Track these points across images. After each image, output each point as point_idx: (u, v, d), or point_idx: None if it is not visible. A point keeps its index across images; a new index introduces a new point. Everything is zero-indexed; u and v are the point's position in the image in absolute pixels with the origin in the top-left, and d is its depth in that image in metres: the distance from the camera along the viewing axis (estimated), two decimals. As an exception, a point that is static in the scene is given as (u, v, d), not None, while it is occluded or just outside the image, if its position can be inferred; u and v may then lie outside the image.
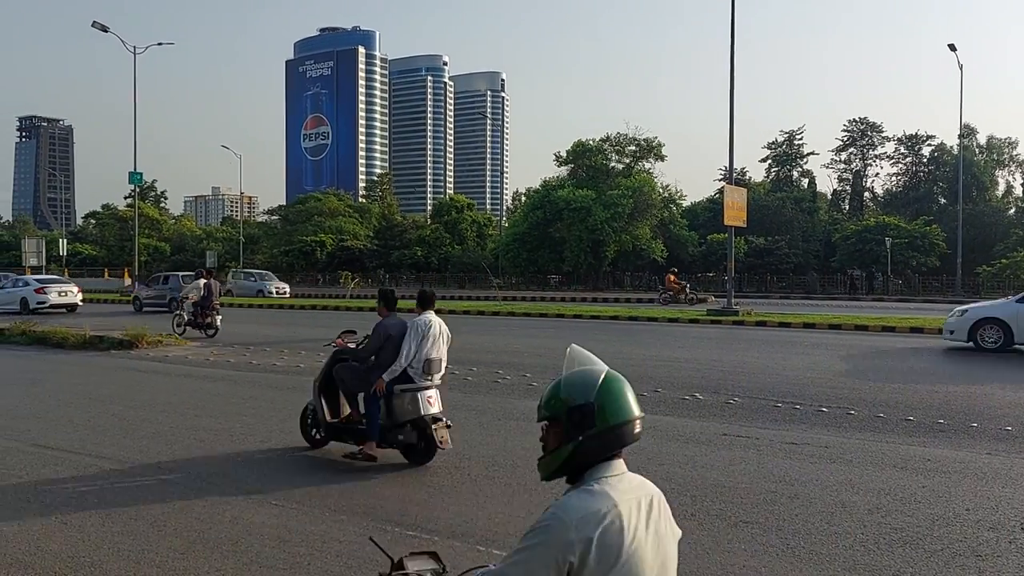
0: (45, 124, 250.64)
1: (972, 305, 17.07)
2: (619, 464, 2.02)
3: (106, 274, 64.52)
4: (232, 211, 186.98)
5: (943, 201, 61.93)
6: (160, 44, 43.59)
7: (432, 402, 6.96)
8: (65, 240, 58.51)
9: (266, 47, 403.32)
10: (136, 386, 11.80)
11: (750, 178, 68.42)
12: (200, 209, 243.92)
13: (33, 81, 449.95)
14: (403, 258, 63.23)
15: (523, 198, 78.80)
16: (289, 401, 10.12)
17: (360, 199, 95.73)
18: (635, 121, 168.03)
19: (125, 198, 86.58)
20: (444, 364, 7.25)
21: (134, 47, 40.08)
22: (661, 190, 56.24)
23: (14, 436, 8.16)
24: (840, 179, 69.79)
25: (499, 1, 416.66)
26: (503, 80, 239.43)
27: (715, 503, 5.69)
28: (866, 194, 69.30)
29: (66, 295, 29.09)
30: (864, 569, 4.50)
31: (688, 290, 33.37)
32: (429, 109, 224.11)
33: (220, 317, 19.06)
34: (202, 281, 19.28)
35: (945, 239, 49.44)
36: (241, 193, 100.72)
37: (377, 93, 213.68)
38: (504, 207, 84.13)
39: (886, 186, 68.24)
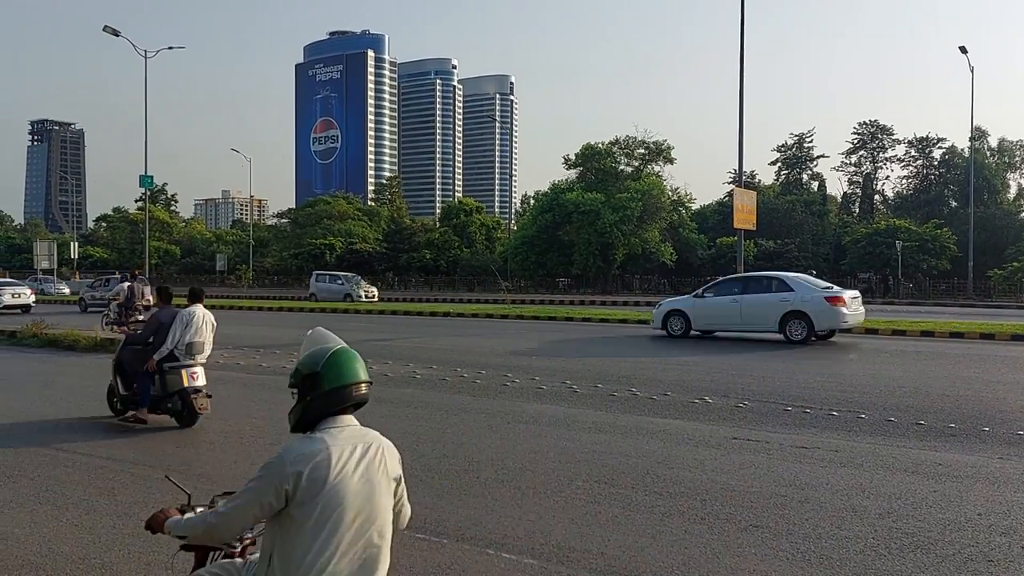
0: (57, 128, 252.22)
1: (666, 300, 20.45)
2: (345, 419, 2.56)
3: (117, 276, 64.77)
4: (242, 214, 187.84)
5: (954, 204, 61.67)
6: (171, 48, 43.77)
7: (195, 377, 8.64)
8: (76, 243, 58.93)
9: (276, 51, 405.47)
10: (147, 388, 11.85)
11: (760, 181, 68.36)
12: (210, 212, 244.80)
13: (45, 85, 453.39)
14: (412, 261, 63.37)
15: (532, 201, 78.83)
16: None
17: (369, 202, 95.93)
18: (644, 124, 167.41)
19: (136, 201, 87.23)
20: (207, 347, 8.94)
21: (145, 51, 40.26)
22: (670, 193, 56.21)
23: (27, 438, 8.21)
24: (850, 182, 69.68)
25: (508, 4, 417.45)
26: (512, 83, 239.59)
27: (725, 507, 5.67)
28: (876, 197, 69.08)
29: (19, 296, 32.22)
30: (875, 574, 4.47)
31: None
32: (438, 112, 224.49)
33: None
34: (126, 284, 20.80)
35: (956, 242, 49.23)
36: (251, 196, 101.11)
37: (386, 96, 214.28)
38: (513, 210, 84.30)
39: (896, 189, 68.09)
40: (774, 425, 8.63)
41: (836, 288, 18.26)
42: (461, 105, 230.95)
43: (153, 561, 4.70)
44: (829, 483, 6.30)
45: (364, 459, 2.49)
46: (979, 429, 8.29)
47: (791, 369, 13.17)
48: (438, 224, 75.54)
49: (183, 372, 8.54)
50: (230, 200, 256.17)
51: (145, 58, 40.65)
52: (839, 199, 70.23)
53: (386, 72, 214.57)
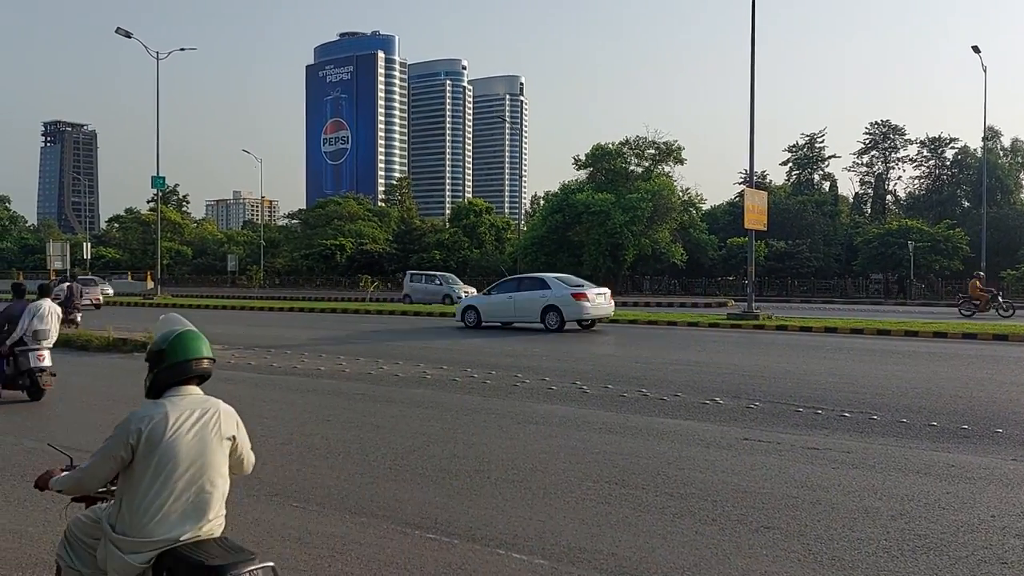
0: (69, 129, 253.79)
1: (466, 298, 24.18)
2: (188, 388, 3.07)
3: (130, 276, 65.28)
4: (253, 215, 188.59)
5: (966, 204, 61.31)
6: (182, 50, 43.96)
7: (42, 359, 10.19)
8: (89, 244, 59.28)
9: (286, 52, 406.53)
10: (158, 388, 11.89)
11: (771, 181, 68.15)
12: (221, 213, 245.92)
13: (58, 87, 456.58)
14: (422, 261, 63.39)
15: (541, 201, 78.81)
16: (308, 403, 10.19)
17: (379, 203, 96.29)
18: (654, 124, 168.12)
19: (148, 202, 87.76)
20: (53, 334, 10.49)
21: (156, 52, 40.52)
22: (680, 193, 56.07)
23: (39, 437, 8.25)
24: (862, 182, 69.34)
25: (518, 5, 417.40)
26: (522, 84, 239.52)
27: (736, 508, 5.65)
28: (888, 197, 68.75)
29: None
30: (888, 575, 4.45)
31: (1000, 299, 26.87)
32: (448, 113, 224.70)
33: (80, 315, 22.75)
34: (66, 284, 23.14)
35: (969, 243, 48.93)
36: (262, 197, 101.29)
37: (396, 97, 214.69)
38: (523, 211, 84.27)
39: (909, 189, 67.73)
40: (785, 426, 8.60)
41: (585, 286, 21.65)
42: (471, 106, 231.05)
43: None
44: (841, 484, 6.27)
45: (199, 422, 2.99)
46: (992, 431, 8.24)
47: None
48: (448, 225, 75.57)
49: (30, 355, 10.11)
50: (241, 201, 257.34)
51: (157, 60, 40.88)
52: (851, 199, 69.87)
53: (396, 73, 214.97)
